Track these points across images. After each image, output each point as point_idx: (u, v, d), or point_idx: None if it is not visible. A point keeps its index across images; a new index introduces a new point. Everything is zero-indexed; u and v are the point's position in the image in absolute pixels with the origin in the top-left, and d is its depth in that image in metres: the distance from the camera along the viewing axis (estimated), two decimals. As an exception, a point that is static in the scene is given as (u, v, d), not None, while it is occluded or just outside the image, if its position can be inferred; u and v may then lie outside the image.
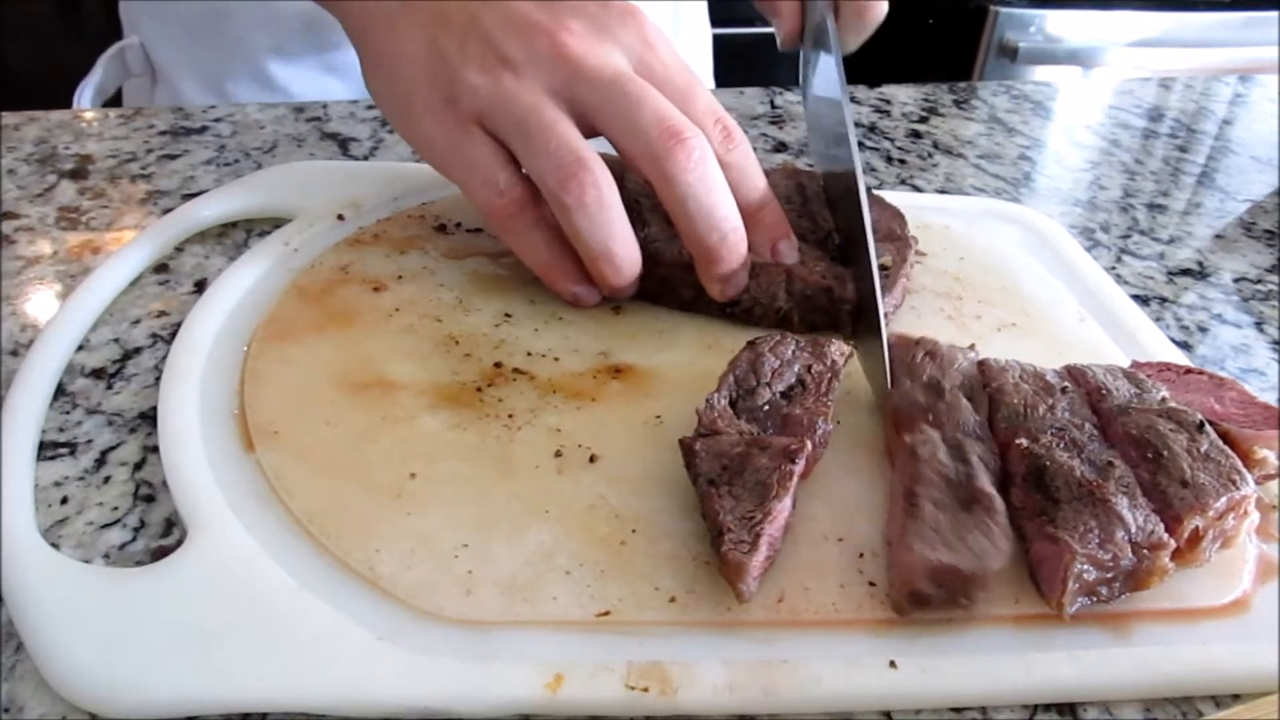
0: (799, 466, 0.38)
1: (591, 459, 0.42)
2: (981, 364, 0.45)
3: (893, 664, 0.35)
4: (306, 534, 0.38)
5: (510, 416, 0.44)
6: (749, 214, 0.50)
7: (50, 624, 0.33)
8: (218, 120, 0.74)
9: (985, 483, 0.37)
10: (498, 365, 0.47)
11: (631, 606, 0.36)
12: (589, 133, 0.48)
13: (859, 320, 0.51)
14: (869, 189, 0.55)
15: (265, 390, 0.44)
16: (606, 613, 0.35)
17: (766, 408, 0.43)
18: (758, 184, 0.51)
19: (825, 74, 0.56)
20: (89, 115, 0.75)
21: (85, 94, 0.88)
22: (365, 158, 0.70)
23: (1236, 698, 0.35)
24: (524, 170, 0.48)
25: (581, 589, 0.36)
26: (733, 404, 0.42)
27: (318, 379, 0.45)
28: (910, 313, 0.54)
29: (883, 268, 0.52)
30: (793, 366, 0.44)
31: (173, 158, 0.68)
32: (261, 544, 0.37)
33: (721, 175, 0.47)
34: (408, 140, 0.51)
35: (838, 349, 0.46)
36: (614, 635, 0.35)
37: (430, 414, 0.44)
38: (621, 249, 0.48)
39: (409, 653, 0.33)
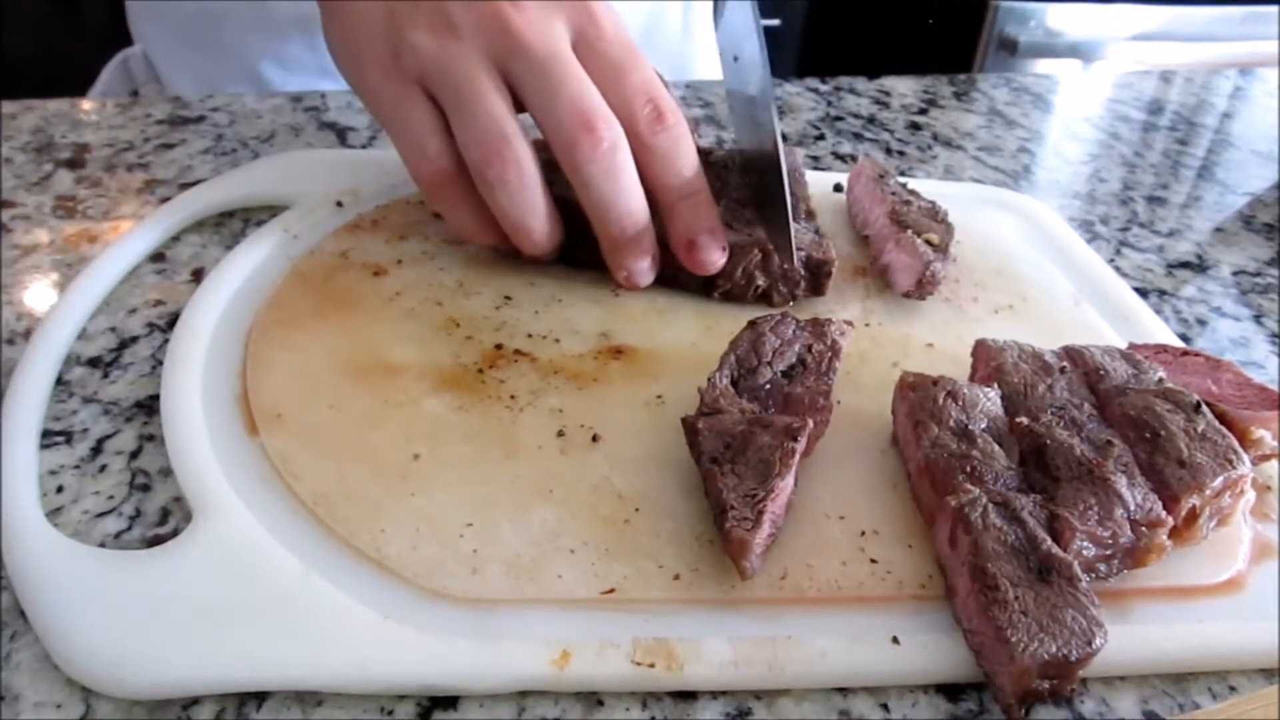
0: (801, 444, 0.38)
1: (594, 439, 0.42)
2: (979, 344, 0.46)
3: (895, 640, 0.35)
4: (312, 516, 0.38)
5: (512, 398, 0.44)
6: (668, 204, 0.50)
7: (59, 606, 0.34)
8: (215, 110, 0.74)
9: (1051, 545, 0.35)
10: (499, 347, 0.47)
11: (636, 584, 0.36)
12: (523, 105, 0.48)
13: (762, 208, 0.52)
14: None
15: (268, 375, 0.44)
16: (612, 591, 0.36)
17: (768, 387, 0.43)
18: (682, 172, 0.49)
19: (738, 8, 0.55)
20: (86, 105, 0.74)
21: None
22: (363, 147, 0.70)
23: (1232, 689, 0.36)
24: (456, 138, 0.48)
25: (586, 567, 0.36)
26: (734, 383, 0.43)
27: (320, 363, 0.45)
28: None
29: (929, 243, 0.53)
30: (793, 346, 0.45)
31: (170, 147, 0.68)
32: (267, 526, 0.37)
33: (630, 167, 0.48)
34: (355, 91, 0.51)
35: (838, 328, 0.46)
36: (619, 613, 0.35)
37: (433, 396, 0.44)
38: (538, 224, 0.49)
39: (416, 631, 0.34)
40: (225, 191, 0.59)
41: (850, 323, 0.48)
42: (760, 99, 0.51)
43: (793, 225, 0.50)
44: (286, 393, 0.43)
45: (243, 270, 0.51)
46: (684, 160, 0.49)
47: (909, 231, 0.54)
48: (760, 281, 0.52)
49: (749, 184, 0.55)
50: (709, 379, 0.42)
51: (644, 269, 0.51)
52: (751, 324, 0.46)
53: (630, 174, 0.48)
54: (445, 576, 0.36)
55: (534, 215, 0.48)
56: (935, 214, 0.57)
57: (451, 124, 0.48)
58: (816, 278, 0.52)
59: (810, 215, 0.55)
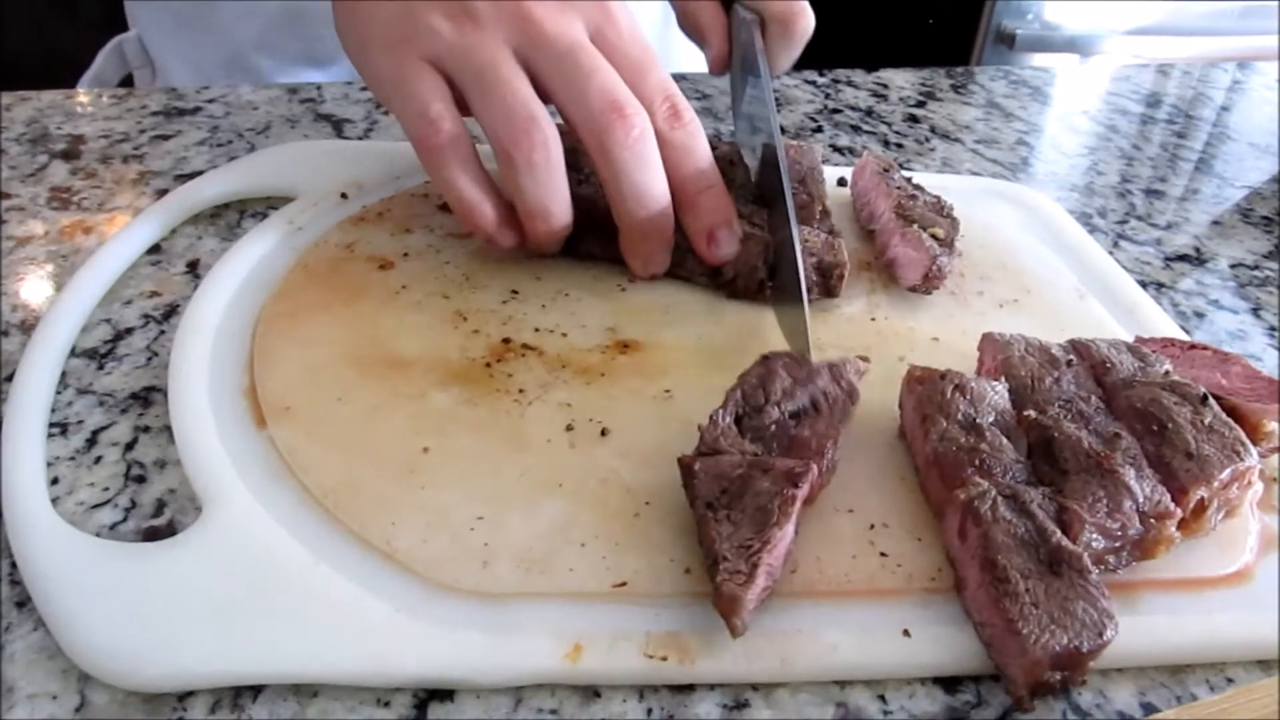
0: (803, 491, 0.36)
1: (603, 433, 0.42)
2: (985, 338, 0.46)
3: (906, 633, 0.35)
4: (322, 509, 0.38)
5: (520, 392, 0.44)
6: (688, 197, 0.50)
7: (70, 598, 0.34)
8: (211, 101, 0.74)
9: (1061, 538, 0.35)
10: (506, 341, 0.47)
11: (648, 578, 0.36)
12: (540, 96, 0.48)
13: (776, 283, 0.51)
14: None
15: (275, 367, 0.44)
16: (623, 584, 0.36)
17: (773, 428, 0.40)
18: (701, 166, 0.50)
19: (755, 96, 0.56)
20: (81, 96, 0.74)
21: (84, 86, 0.88)
22: (360, 139, 0.69)
23: (1230, 681, 0.36)
24: (478, 120, 0.48)
25: (597, 561, 0.36)
26: (738, 421, 0.41)
27: (327, 356, 0.45)
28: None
29: (935, 238, 0.53)
30: (806, 387, 0.42)
31: (165, 138, 0.68)
32: (277, 519, 0.37)
33: (657, 155, 0.48)
34: (359, 71, 0.51)
35: (854, 369, 0.44)
36: (631, 606, 0.35)
37: (441, 390, 0.44)
38: (557, 208, 0.49)
39: (428, 624, 0.34)
40: (229, 182, 0.59)
41: (867, 359, 0.46)
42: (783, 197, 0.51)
43: (804, 283, 0.49)
44: (294, 385, 0.43)
45: (246, 262, 0.51)
46: (701, 154, 0.50)
47: (914, 226, 0.54)
48: (763, 274, 0.52)
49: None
50: (711, 417, 0.40)
51: (664, 258, 0.52)
52: (764, 359, 0.43)
53: (659, 162, 0.48)
54: (456, 570, 0.36)
55: (555, 199, 0.48)
56: (940, 208, 0.57)
57: (473, 107, 0.48)
58: (828, 280, 0.52)
59: (825, 214, 0.55)
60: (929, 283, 0.52)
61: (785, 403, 0.41)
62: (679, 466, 0.38)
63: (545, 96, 0.48)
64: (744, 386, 0.42)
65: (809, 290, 0.51)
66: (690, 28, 0.60)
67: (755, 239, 0.51)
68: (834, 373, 0.43)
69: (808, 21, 0.58)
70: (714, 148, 0.56)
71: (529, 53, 0.47)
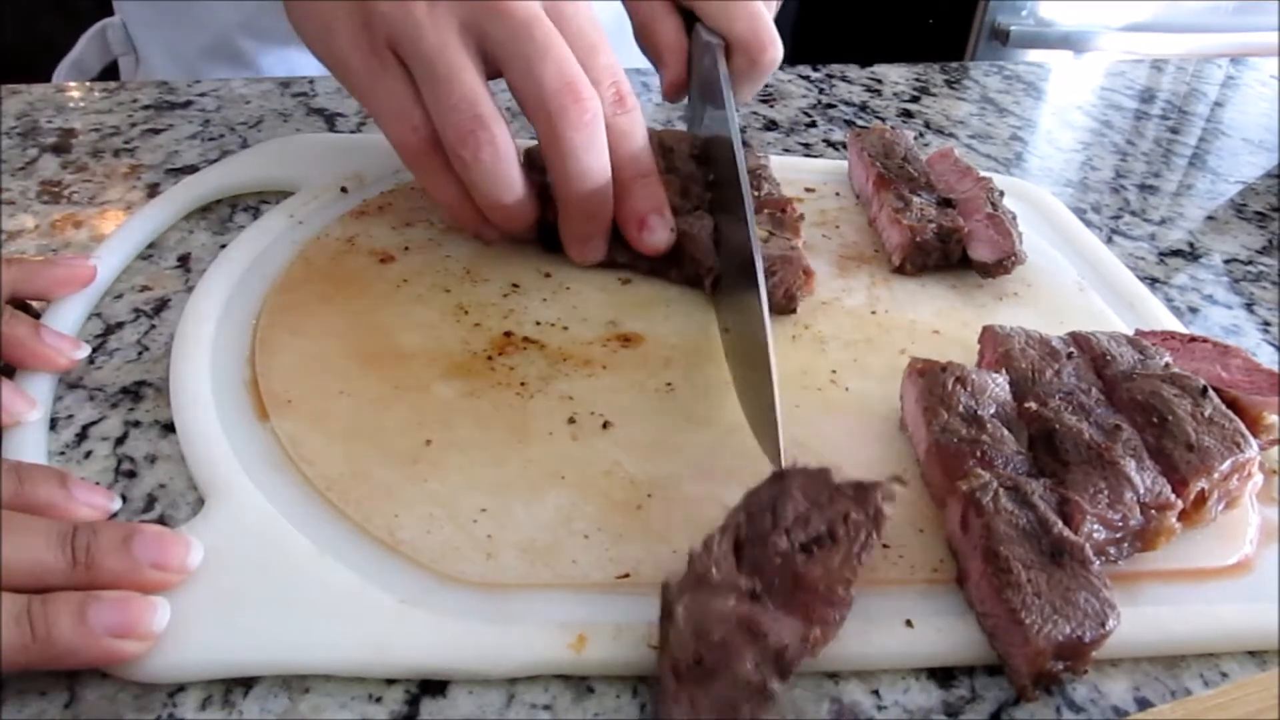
0: (785, 682, 0.31)
1: (605, 425, 0.42)
2: (986, 330, 0.46)
3: (909, 623, 0.35)
4: (325, 500, 0.38)
5: (522, 384, 0.44)
6: (625, 182, 0.50)
7: (73, 589, 0.33)
8: (202, 95, 0.74)
9: (1063, 528, 0.35)
10: (508, 334, 0.47)
11: (651, 569, 0.36)
12: (494, 71, 0.47)
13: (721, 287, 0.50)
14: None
15: (277, 360, 0.44)
16: (626, 575, 0.36)
17: (778, 560, 0.34)
18: (640, 153, 0.50)
19: (717, 126, 0.53)
20: (72, 89, 0.74)
21: (63, 71, 0.88)
22: (352, 133, 0.69)
23: (1224, 676, 0.36)
24: (428, 108, 0.47)
25: (601, 552, 0.37)
26: (737, 548, 0.35)
27: (329, 349, 0.45)
28: (914, 284, 0.54)
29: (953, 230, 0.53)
30: (824, 512, 0.35)
31: (156, 132, 0.68)
32: (280, 511, 0.37)
33: (605, 138, 0.48)
34: (325, 63, 0.50)
35: (885, 493, 0.35)
36: (635, 596, 0.35)
37: (443, 382, 0.44)
38: (512, 202, 0.49)
39: (433, 615, 0.34)
40: (228, 176, 0.59)
41: (904, 481, 0.36)
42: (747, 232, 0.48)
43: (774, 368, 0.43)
44: (296, 378, 0.43)
45: (247, 256, 0.51)
46: (640, 142, 0.50)
47: (1004, 210, 0.55)
48: (714, 263, 0.51)
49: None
50: (705, 540, 0.34)
51: (602, 243, 0.52)
52: (777, 476, 0.37)
53: (606, 146, 0.48)
54: (461, 561, 0.36)
55: (509, 193, 0.48)
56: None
57: (424, 99, 0.47)
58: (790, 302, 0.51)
59: (785, 214, 0.54)
60: (999, 268, 0.53)
61: (796, 531, 0.35)
62: (661, 595, 0.33)
63: (496, 72, 0.47)
64: (750, 508, 0.36)
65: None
66: (647, 44, 0.58)
67: (697, 238, 0.51)
68: (859, 496, 0.36)
69: (776, 53, 0.56)
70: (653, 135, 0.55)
71: (483, 25, 0.46)
